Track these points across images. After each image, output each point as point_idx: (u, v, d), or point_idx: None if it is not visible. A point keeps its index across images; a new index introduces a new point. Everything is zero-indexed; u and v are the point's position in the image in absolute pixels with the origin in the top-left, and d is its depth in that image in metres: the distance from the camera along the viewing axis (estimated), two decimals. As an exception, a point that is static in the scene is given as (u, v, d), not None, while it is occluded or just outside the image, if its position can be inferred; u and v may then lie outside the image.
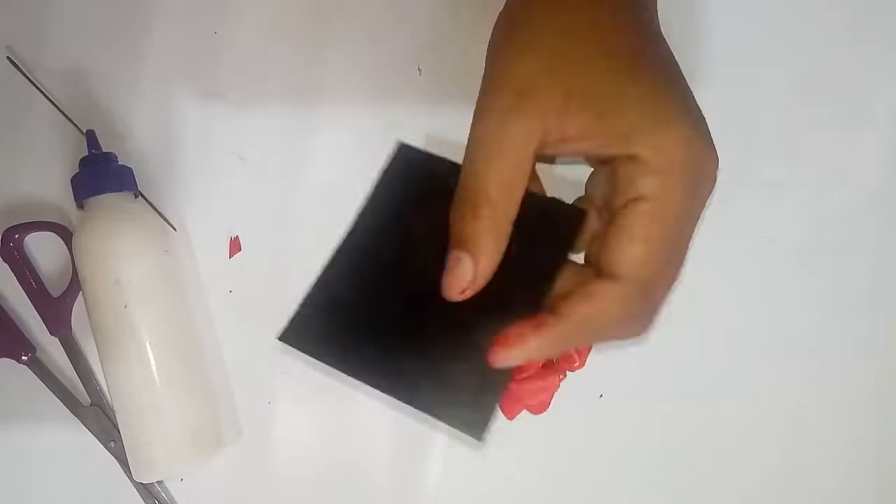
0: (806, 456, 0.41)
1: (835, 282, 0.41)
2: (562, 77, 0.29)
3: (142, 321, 0.39)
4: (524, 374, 0.38)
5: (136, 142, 0.43)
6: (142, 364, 0.38)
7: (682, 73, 0.31)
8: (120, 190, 0.40)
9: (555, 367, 0.39)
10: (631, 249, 0.28)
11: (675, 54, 0.41)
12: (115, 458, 0.42)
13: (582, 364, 0.40)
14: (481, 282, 0.30)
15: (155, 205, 0.43)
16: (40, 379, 0.42)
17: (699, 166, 0.29)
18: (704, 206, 0.30)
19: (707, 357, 0.41)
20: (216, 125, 0.43)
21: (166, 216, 0.43)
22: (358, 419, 0.42)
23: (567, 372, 0.40)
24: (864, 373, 0.41)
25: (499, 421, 0.41)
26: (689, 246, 0.31)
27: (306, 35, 0.43)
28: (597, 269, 0.30)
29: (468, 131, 0.30)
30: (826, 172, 0.41)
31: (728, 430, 0.41)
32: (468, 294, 0.30)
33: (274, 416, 0.42)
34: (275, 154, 0.42)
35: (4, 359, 0.42)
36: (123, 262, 0.39)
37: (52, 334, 0.42)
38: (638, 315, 0.30)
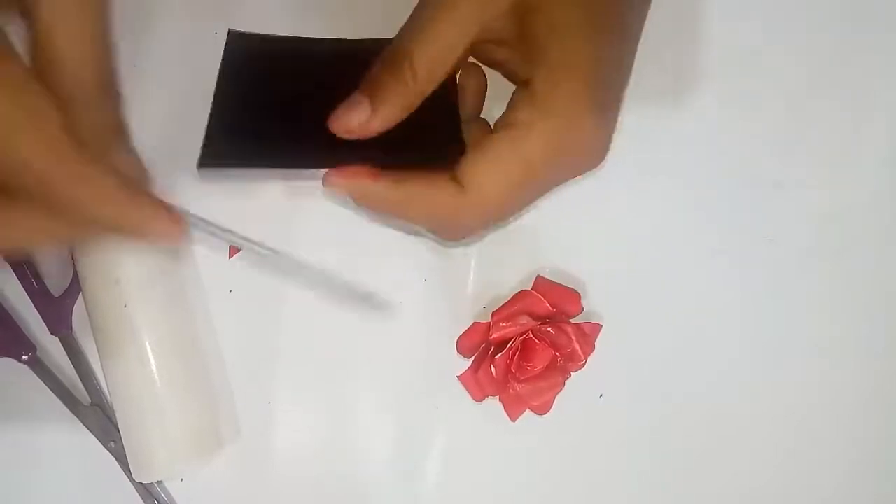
0: (806, 456, 0.41)
1: (835, 282, 0.41)
2: None
3: (142, 321, 0.38)
4: (528, 374, 0.38)
5: (137, 142, 0.43)
6: (142, 364, 0.38)
7: (633, 43, 0.32)
8: None
9: (560, 367, 0.39)
10: (482, 166, 0.30)
11: (675, 56, 0.41)
12: (115, 458, 0.42)
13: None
14: (366, 133, 0.31)
15: None
16: (40, 378, 0.42)
17: (580, 135, 0.29)
18: (566, 177, 0.31)
19: (707, 357, 0.41)
20: (216, 125, 0.43)
21: None
22: (358, 419, 0.42)
23: (571, 373, 0.40)
24: (864, 373, 0.41)
25: (500, 421, 0.41)
26: (538, 198, 0.31)
27: (306, 35, 0.43)
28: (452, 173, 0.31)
29: None
30: (826, 173, 0.41)
31: (728, 431, 0.41)
32: (349, 136, 0.31)
33: (274, 416, 0.42)
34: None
35: (4, 358, 0.42)
36: (123, 262, 0.39)
37: (52, 334, 0.42)
38: (457, 227, 0.32)
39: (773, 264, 0.41)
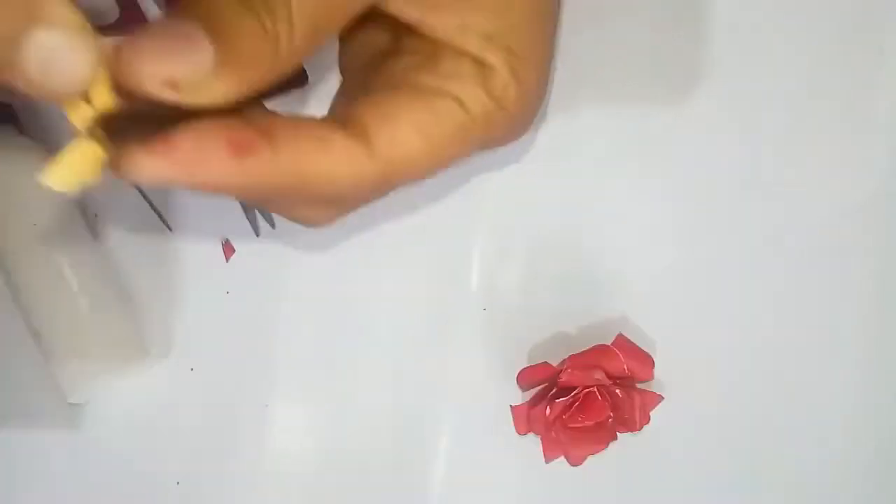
0: (807, 456, 0.41)
1: (838, 283, 0.41)
2: None
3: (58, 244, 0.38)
4: (578, 425, 0.38)
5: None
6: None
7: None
8: None
9: (609, 427, 0.39)
10: (409, 134, 0.23)
11: (676, 55, 0.41)
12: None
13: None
14: (197, 96, 0.19)
15: (154, 204, 0.42)
16: None
17: (526, 119, 0.27)
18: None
19: (707, 358, 0.41)
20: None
21: (164, 216, 0.42)
22: (359, 423, 0.41)
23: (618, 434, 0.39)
24: (866, 375, 0.41)
25: (501, 424, 0.40)
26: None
27: None
28: (342, 117, 0.23)
29: None
30: (828, 173, 0.41)
31: (728, 431, 0.41)
32: (167, 92, 0.19)
33: (271, 420, 0.41)
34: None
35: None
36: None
37: None
38: (359, 196, 0.25)
39: (774, 265, 0.41)
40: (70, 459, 0.41)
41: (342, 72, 0.30)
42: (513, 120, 0.25)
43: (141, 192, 0.41)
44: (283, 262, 0.42)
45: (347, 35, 0.27)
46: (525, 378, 0.39)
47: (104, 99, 0.20)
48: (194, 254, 0.42)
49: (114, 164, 0.20)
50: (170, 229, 0.41)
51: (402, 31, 0.25)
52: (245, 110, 0.21)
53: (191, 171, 0.19)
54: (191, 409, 0.42)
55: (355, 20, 0.23)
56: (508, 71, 0.24)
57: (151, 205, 0.41)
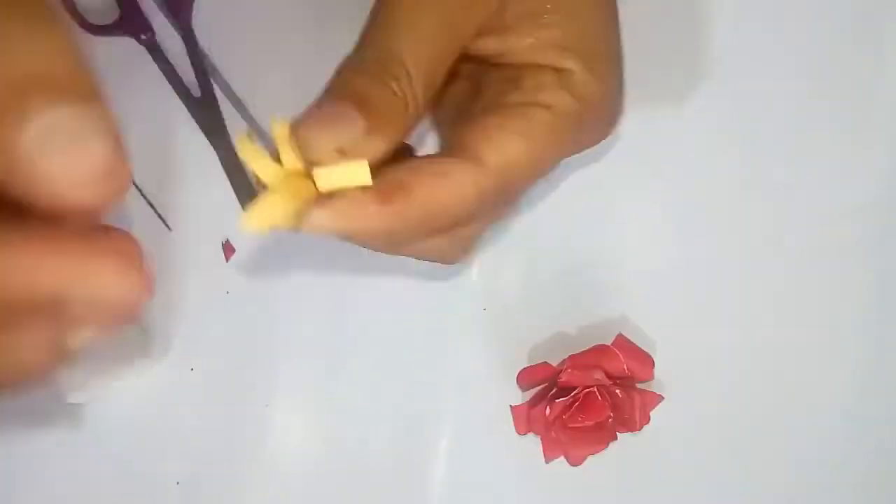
0: (807, 456, 0.41)
1: (838, 283, 0.41)
2: None
3: None
4: (578, 425, 0.38)
5: (135, 142, 0.41)
6: None
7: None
8: None
9: (609, 427, 0.39)
10: (512, 142, 0.26)
11: (678, 56, 0.41)
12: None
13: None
14: (359, 157, 0.24)
15: (154, 204, 0.41)
16: (156, 63, 0.41)
17: (611, 112, 0.29)
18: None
19: (707, 358, 0.41)
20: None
21: (163, 215, 0.41)
22: (358, 421, 0.41)
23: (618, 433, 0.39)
24: (866, 375, 0.41)
25: (501, 424, 0.40)
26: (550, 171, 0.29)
27: (307, 35, 0.41)
28: (453, 149, 0.26)
29: None
30: (830, 173, 0.41)
31: (728, 431, 0.41)
32: (335, 159, 0.24)
33: (272, 420, 0.41)
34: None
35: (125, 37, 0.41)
36: None
37: (173, 18, 0.41)
38: (483, 215, 0.28)
39: (775, 266, 0.41)
40: (70, 459, 0.41)
41: (438, 128, 0.35)
42: (598, 113, 0.28)
43: (140, 191, 0.41)
44: (284, 263, 0.42)
45: (435, 94, 0.29)
46: (525, 378, 0.39)
47: (292, 160, 0.24)
48: (194, 254, 0.42)
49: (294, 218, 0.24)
50: (169, 229, 0.41)
51: (479, 74, 0.29)
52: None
53: (348, 221, 0.24)
54: (191, 409, 0.41)
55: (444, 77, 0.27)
56: (585, 70, 0.26)
57: (151, 205, 0.41)
